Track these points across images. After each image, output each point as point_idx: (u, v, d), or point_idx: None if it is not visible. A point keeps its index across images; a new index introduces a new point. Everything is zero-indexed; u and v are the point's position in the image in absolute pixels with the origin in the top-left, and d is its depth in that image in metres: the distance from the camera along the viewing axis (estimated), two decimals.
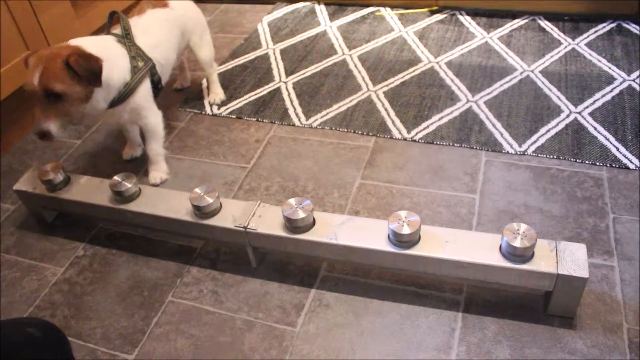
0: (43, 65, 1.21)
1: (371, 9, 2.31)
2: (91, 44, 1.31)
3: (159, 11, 1.54)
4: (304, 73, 1.93)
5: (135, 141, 1.63)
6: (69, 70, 1.22)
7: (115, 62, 1.34)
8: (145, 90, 1.42)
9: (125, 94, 1.36)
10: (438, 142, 1.56)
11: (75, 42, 1.31)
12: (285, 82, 1.89)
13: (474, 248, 1.08)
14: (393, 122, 1.66)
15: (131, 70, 1.38)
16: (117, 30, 1.42)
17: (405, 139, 1.59)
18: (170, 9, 1.57)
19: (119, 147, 1.69)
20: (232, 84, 1.91)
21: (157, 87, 1.48)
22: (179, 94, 1.91)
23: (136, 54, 1.40)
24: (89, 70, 1.24)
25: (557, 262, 1.03)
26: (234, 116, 1.76)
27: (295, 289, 1.22)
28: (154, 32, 1.48)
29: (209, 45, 1.75)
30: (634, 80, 1.73)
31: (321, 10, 2.33)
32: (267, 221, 1.19)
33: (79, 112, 1.30)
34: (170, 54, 1.54)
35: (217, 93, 1.84)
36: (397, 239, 1.09)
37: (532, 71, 1.82)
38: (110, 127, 1.75)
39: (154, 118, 1.48)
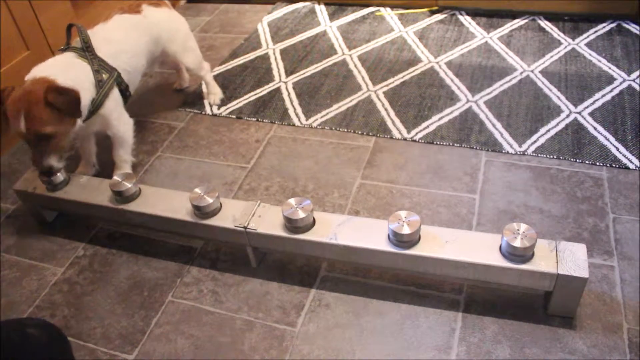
0: (25, 111, 1.22)
1: (371, 9, 2.31)
2: (55, 69, 1.30)
3: (127, 17, 1.52)
4: (303, 73, 1.93)
5: (90, 161, 1.57)
6: (51, 108, 1.24)
7: (80, 81, 1.33)
8: (113, 101, 1.42)
9: (94, 109, 1.37)
10: (438, 142, 1.56)
11: (39, 72, 1.30)
12: (285, 82, 1.89)
13: (474, 248, 1.08)
14: (393, 122, 1.66)
15: (96, 85, 1.37)
16: (77, 42, 1.40)
17: (405, 139, 1.59)
18: (142, 16, 1.54)
19: None
20: (232, 84, 1.91)
21: (125, 95, 1.48)
22: (179, 94, 1.91)
23: (99, 66, 1.39)
24: (68, 104, 1.26)
25: (557, 262, 1.03)
26: (233, 116, 1.76)
27: (295, 289, 1.22)
28: (117, 40, 1.46)
29: (193, 51, 1.71)
30: (634, 80, 1.73)
31: (321, 10, 2.33)
32: (267, 221, 1.19)
33: (69, 141, 1.33)
34: (139, 60, 1.52)
35: (216, 93, 1.83)
36: (397, 239, 1.09)
37: (532, 71, 1.82)
38: (78, 139, 1.69)
39: (123, 126, 1.48)
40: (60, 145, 1.30)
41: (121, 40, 1.47)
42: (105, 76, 1.39)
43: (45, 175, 1.31)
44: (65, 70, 1.32)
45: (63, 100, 1.25)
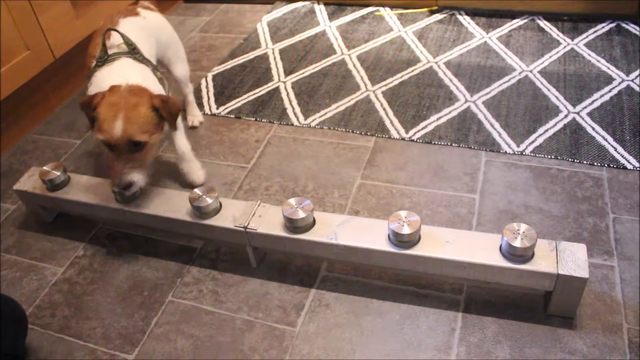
0: (123, 115, 1.16)
1: (370, 8, 2.31)
2: (135, 76, 1.26)
3: (132, 19, 1.48)
4: (302, 73, 1.93)
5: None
6: (152, 116, 1.20)
7: (159, 88, 1.30)
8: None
9: None
10: (436, 142, 1.57)
11: (120, 80, 1.23)
12: (284, 82, 1.89)
13: (474, 248, 1.09)
14: (391, 121, 1.66)
15: (160, 83, 1.35)
16: (121, 46, 1.36)
17: (403, 139, 1.59)
18: (142, 17, 1.51)
19: None
20: (231, 83, 1.91)
21: None
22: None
23: (152, 65, 1.36)
24: (170, 113, 1.22)
25: (557, 262, 1.04)
26: (232, 116, 1.76)
27: (295, 289, 1.22)
28: (135, 40, 1.42)
29: (183, 62, 1.67)
30: (632, 80, 1.73)
31: (320, 10, 2.33)
32: (267, 221, 1.20)
33: (154, 156, 1.27)
34: (154, 61, 1.49)
35: (196, 115, 1.75)
36: (397, 239, 1.10)
37: (530, 71, 1.82)
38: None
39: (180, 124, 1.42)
40: (147, 157, 1.23)
41: (137, 40, 1.43)
42: (159, 74, 1.37)
43: (125, 189, 1.20)
44: (144, 76, 1.29)
45: (167, 109, 1.21)
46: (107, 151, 1.21)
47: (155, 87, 1.31)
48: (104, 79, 1.28)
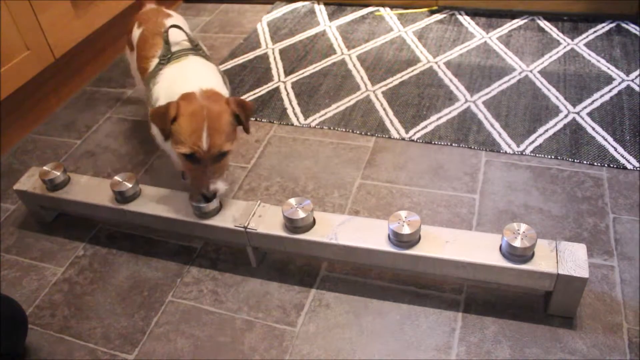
0: (208, 126, 1.11)
1: (370, 8, 2.31)
2: (210, 75, 1.24)
3: (172, 20, 1.45)
4: (302, 73, 1.93)
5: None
6: (232, 122, 1.16)
7: (221, 84, 1.27)
8: None
9: None
10: (436, 142, 1.57)
11: (197, 82, 1.19)
12: (284, 82, 1.89)
13: (474, 248, 1.09)
14: (391, 121, 1.66)
15: (224, 81, 1.33)
16: (183, 44, 1.34)
17: (403, 139, 1.59)
18: (174, 18, 1.50)
19: (118, 147, 1.69)
20: (231, 83, 1.91)
21: None
22: None
23: (215, 64, 1.35)
24: (247, 116, 1.19)
25: (557, 262, 1.04)
26: None
27: (295, 289, 1.22)
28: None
29: None
30: (632, 80, 1.73)
31: (320, 10, 2.33)
32: (267, 221, 1.20)
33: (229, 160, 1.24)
34: None
35: None
36: (397, 239, 1.10)
37: (530, 71, 1.82)
38: None
39: None
40: (226, 164, 1.20)
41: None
42: (221, 72, 1.35)
43: (208, 200, 1.18)
44: (215, 76, 1.26)
45: (245, 113, 1.18)
46: (187, 162, 1.16)
47: (222, 86, 1.28)
48: (175, 77, 1.25)
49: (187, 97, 1.16)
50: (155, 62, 1.33)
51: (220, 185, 1.17)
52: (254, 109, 1.19)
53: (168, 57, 1.30)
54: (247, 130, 1.22)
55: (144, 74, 1.36)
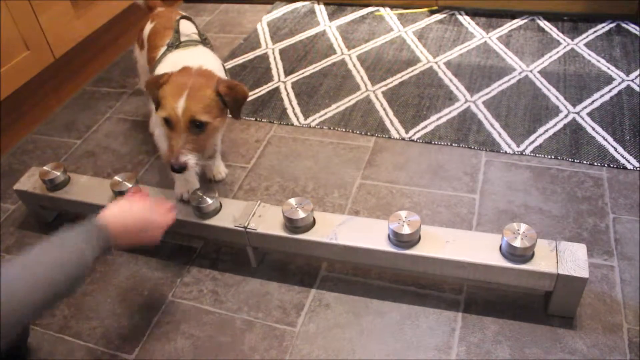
0: (189, 92, 1.12)
1: (370, 8, 2.31)
2: (212, 63, 1.25)
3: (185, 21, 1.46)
4: (302, 73, 1.93)
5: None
6: (217, 100, 1.16)
7: (224, 76, 1.28)
8: None
9: None
10: (436, 142, 1.57)
11: (194, 62, 1.21)
12: (284, 82, 1.89)
13: (474, 248, 1.09)
14: (391, 121, 1.66)
15: (225, 73, 1.34)
16: (192, 36, 1.35)
17: (403, 139, 1.59)
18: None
19: (118, 147, 1.69)
20: None
21: None
22: None
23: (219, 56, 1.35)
24: (235, 101, 1.19)
25: (557, 262, 1.04)
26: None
27: (295, 289, 1.22)
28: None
29: None
30: (632, 80, 1.73)
31: (320, 10, 2.33)
32: (267, 221, 1.20)
33: (213, 143, 1.23)
34: None
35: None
36: (397, 239, 1.10)
37: (530, 71, 1.82)
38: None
39: None
40: (207, 141, 1.18)
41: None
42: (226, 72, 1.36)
43: (177, 171, 1.14)
44: (218, 66, 1.28)
45: (233, 95, 1.17)
46: (167, 130, 1.16)
47: (223, 76, 1.28)
48: (176, 61, 1.25)
49: (183, 70, 1.19)
50: (163, 49, 1.34)
51: (191, 160, 1.13)
52: (246, 95, 1.19)
53: (176, 44, 1.31)
54: (234, 116, 1.21)
55: (152, 64, 1.37)
